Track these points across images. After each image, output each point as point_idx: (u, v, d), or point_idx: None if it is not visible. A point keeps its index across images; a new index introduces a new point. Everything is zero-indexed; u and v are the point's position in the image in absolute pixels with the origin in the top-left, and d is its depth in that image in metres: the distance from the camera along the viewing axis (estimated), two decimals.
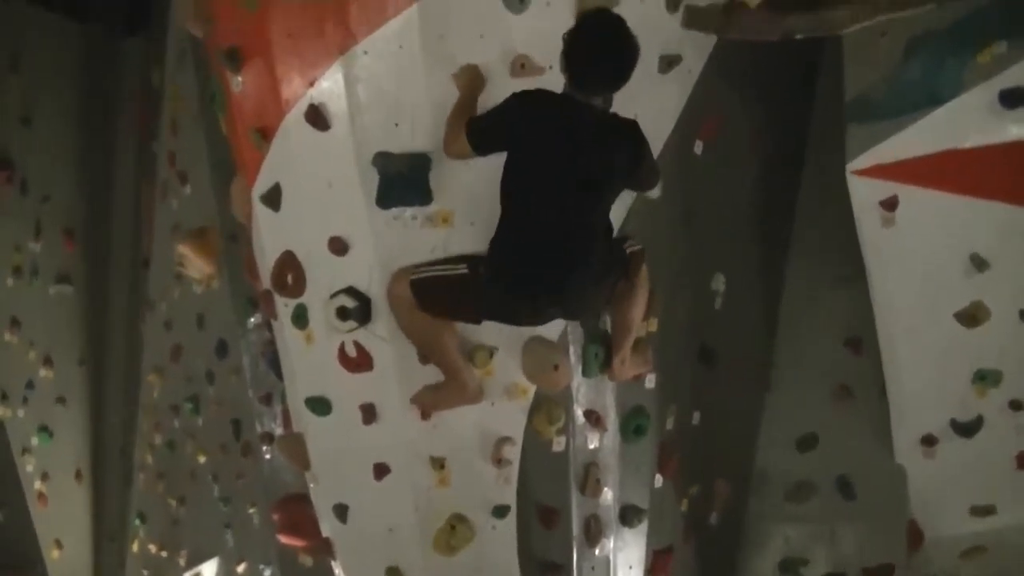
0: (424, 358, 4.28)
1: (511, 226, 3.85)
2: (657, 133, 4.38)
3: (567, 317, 4.20)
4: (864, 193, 4.59)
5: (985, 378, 4.88)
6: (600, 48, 3.72)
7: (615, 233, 4.17)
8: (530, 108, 3.79)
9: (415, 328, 4.13)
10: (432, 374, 4.26)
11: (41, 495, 9.24)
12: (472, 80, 4.00)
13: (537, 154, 3.78)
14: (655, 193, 4.33)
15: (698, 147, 4.74)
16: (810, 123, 5.44)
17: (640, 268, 4.21)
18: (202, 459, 7.47)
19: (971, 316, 4.72)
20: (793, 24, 4.12)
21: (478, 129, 3.83)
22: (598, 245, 3.93)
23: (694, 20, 4.30)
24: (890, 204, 4.56)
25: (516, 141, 3.80)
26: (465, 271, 4.00)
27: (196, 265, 6.91)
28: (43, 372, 9.19)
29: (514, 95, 3.81)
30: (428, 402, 4.31)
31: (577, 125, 3.78)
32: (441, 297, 4.04)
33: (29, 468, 9.15)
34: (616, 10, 3.86)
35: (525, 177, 3.82)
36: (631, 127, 3.91)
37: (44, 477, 9.24)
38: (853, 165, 4.55)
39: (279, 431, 5.92)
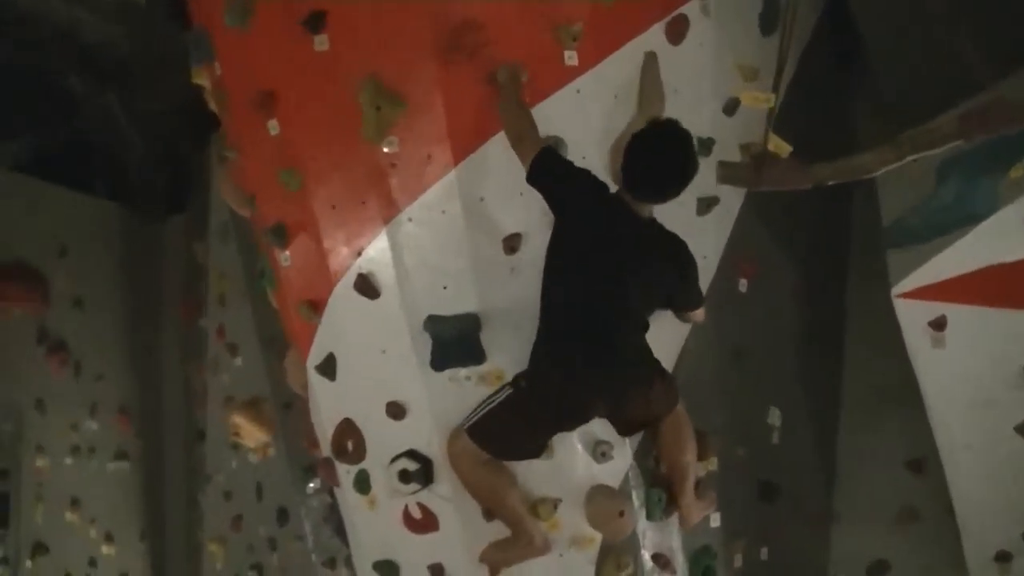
0: (489, 514, 4.26)
1: (556, 318, 3.93)
2: (702, 273, 4.44)
3: (613, 414, 4.14)
4: (912, 315, 4.59)
5: None
6: (664, 159, 3.82)
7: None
8: (596, 197, 3.91)
9: (479, 483, 4.11)
10: (498, 531, 4.23)
11: None
12: (514, 78, 4.05)
13: (586, 248, 3.87)
14: (699, 318, 4.35)
15: (742, 285, 4.79)
16: (849, 251, 5.49)
17: (677, 398, 4.24)
18: None
19: None
20: (822, 172, 4.19)
21: (546, 167, 3.89)
22: (637, 340, 4.05)
23: (727, 176, 4.39)
24: (939, 324, 4.55)
25: (569, 218, 3.91)
26: (511, 391, 4.02)
27: (251, 434, 6.96)
28: (105, 549, 9.17)
29: (592, 176, 3.93)
30: (497, 559, 4.27)
31: (628, 228, 3.91)
32: (500, 430, 4.03)
33: None
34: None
35: (571, 270, 3.90)
36: (678, 243, 4.04)
37: None
38: (898, 289, 4.55)
39: None
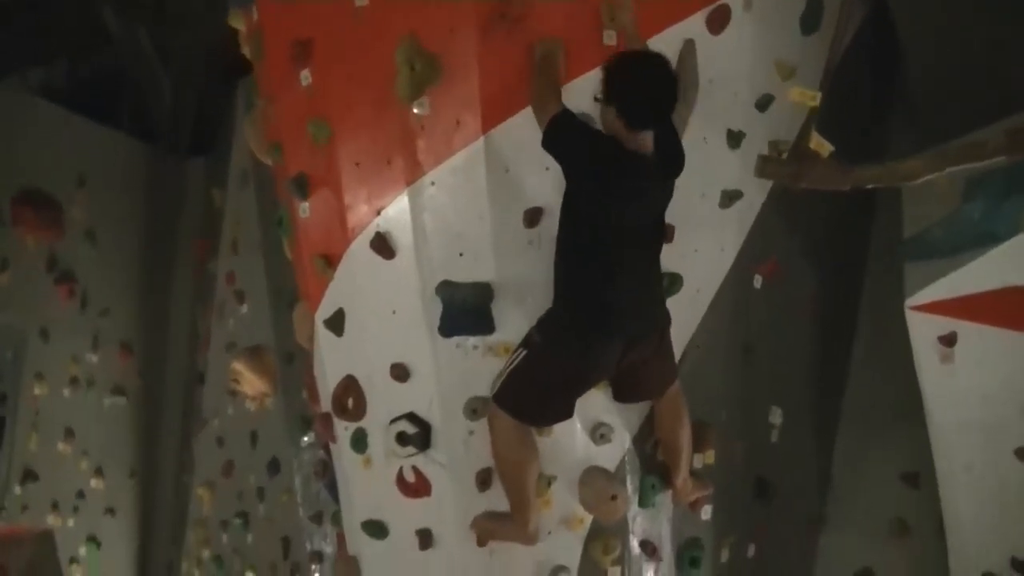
0: (483, 484, 4.24)
1: (593, 271, 3.88)
2: (717, 266, 4.46)
3: (625, 359, 4.05)
4: (922, 329, 4.58)
5: None
6: (652, 78, 3.74)
7: None
8: (613, 150, 3.81)
9: (508, 453, 4.05)
10: (490, 502, 4.24)
11: None
12: (551, 54, 4.01)
13: (619, 205, 3.82)
14: None
15: (757, 281, 4.78)
16: (867, 259, 5.48)
17: (676, 370, 4.30)
18: None
19: None
20: (864, 175, 4.15)
21: (563, 130, 3.84)
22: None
23: (767, 170, 4.35)
24: (949, 340, 4.55)
25: (594, 179, 3.82)
26: (524, 352, 3.99)
27: (251, 383, 6.98)
28: (94, 483, 9.26)
29: (605, 137, 3.85)
30: (487, 529, 4.27)
31: (648, 177, 3.88)
32: (525, 393, 4.00)
33: None
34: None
35: (606, 226, 3.85)
36: (679, 152, 4.03)
37: None
38: (911, 301, 4.55)
39: (329, 550, 5.91)
